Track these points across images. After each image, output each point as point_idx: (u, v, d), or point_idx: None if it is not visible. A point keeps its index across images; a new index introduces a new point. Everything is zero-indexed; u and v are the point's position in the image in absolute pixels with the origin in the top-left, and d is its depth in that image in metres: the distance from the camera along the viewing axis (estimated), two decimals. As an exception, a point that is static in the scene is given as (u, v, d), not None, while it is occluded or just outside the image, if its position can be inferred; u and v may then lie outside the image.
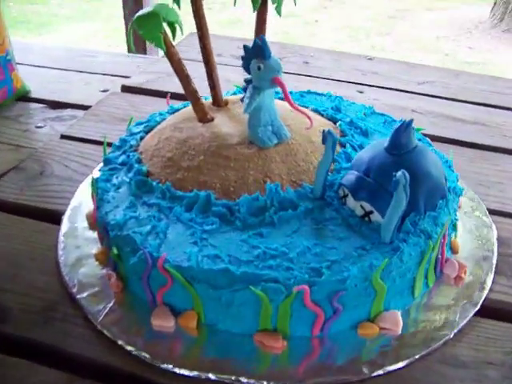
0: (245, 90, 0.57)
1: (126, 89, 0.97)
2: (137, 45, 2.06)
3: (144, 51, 2.05)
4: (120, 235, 0.50)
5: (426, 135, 0.67)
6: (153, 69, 1.05)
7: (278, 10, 0.61)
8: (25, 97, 1.00)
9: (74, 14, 5.16)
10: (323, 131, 0.51)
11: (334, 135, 0.50)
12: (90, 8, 5.56)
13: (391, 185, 0.47)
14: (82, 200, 0.66)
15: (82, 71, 1.12)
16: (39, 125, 0.90)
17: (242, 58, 0.55)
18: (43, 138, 0.85)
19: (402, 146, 0.50)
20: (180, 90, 0.61)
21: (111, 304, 0.51)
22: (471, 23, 5.25)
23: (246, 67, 0.55)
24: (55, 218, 0.65)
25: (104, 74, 1.10)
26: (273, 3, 0.61)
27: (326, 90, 0.81)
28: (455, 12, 5.56)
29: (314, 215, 0.52)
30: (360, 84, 0.98)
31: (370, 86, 0.98)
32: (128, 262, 0.49)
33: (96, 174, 0.61)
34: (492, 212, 0.65)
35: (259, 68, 0.52)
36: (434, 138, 0.76)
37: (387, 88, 0.97)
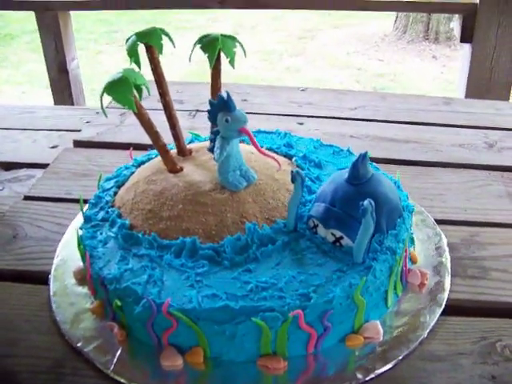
0: (212, 140, 0.63)
1: (78, 144, 1.01)
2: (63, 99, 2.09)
3: (72, 103, 2.09)
4: (119, 288, 0.55)
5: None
6: (99, 121, 1.09)
7: (232, 63, 0.68)
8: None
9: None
10: (291, 172, 0.58)
11: (302, 175, 0.57)
12: (-5, 55, 5.46)
13: (357, 212, 0.54)
14: (64, 258, 0.70)
15: (25, 129, 1.15)
16: (-2, 188, 0.93)
17: (208, 111, 0.61)
18: (5, 200, 0.88)
19: (360, 177, 0.58)
20: (134, 140, 0.66)
21: (119, 352, 0.56)
22: (377, 37, 5.55)
23: (213, 119, 0.61)
24: (39, 278, 0.68)
25: (49, 130, 1.13)
26: (227, 57, 0.68)
27: (268, 125, 0.89)
28: (361, 28, 5.85)
29: (292, 246, 0.58)
30: (298, 116, 1.06)
31: (308, 116, 1.06)
32: (132, 312, 0.54)
33: (78, 232, 0.66)
34: (439, 222, 0.74)
35: (227, 120, 0.59)
36: (375, 160, 0.85)
37: (324, 117, 1.06)
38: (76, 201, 0.82)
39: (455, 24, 1.99)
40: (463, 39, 1.78)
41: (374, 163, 0.74)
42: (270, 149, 0.76)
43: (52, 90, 2.20)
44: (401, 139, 0.97)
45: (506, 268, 0.66)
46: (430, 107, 1.11)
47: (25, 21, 5.61)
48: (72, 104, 2.18)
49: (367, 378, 0.52)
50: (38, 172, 0.95)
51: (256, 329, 0.51)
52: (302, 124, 1.03)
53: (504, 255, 0.68)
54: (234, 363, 0.54)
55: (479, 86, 1.79)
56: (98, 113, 1.19)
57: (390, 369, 0.53)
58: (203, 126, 0.97)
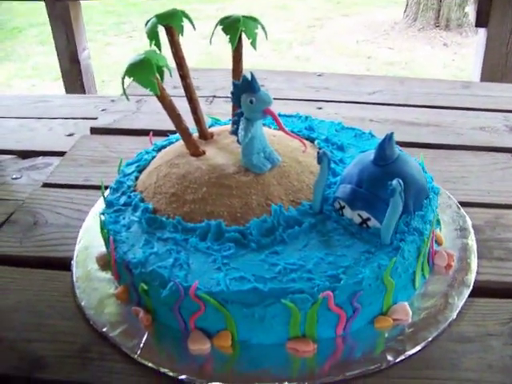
0: (235, 122, 0.62)
1: (95, 131, 1.01)
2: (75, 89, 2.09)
3: (84, 93, 2.08)
4: (145, 272, 0.55)
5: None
6: (116, 108, 1.09)
7: (254, 45, 0.67)
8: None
9: (-11, 55, 5.07)
10: (318, 152, 0.57)
11: (328, 155, 0.57)
12: (3, 48, 5.47)
13: (384, 192, 0.54)
14: (86, 244, 0.69)
15: (41, 117, 1.14)
16: (15, 176, 0.92)
17: (232, 93, 0.61)
18: (24, 188, 0.88)
19: (387, 157, 0.57)
20: (151, 126, 0.66)
21: (145, 337, 0.55)
22: (387, 25, 5.51)
23: (236, 101, 0.61)
24: (62, 264, 0.68)
25: (65, 118, 1.13)
26: (248, 39, 0.67)
27: (286, 109, 0.88)
28: (370, 16, 5.81)
29: (318, 228, 0.58)
30: (316, 100, 1.05)
31: (326, 101, 1.05)
32: (158, 296, 0.54)
33: (101, 217, 0.65)
34: (462, 204, 0.73)
35: (251, 102, 0.58)
36: (397, 144, 0.84)
37: (342, 101, 1.05)
38: (95, 187, 0.83)
39: (470, 8, 1.97)
40: (478, 24, 1.75)
41: (398, 146, 0.73)
42: (291, 131, 0.75)
43: (64, 81, 2.19)
44: (421, 123, 0.96)
45: (534, 249, 0.65)
46: (449, 91, 1.10)
47: (32, 14, 5.62)
48: (83, 92, 2.18)
49: (397, 360, 0.51)
50: (55, 160, 0.95)
51: (285, 311, 0.51)
52: (320, 108, 1.02)
53: (533, 236, 0.68)
54: (263, 346, 0.53)
55: (494, 71, 1.77)
56: (113, 100, 1.18)
57: (419, 350, 0.52)
58: (221, 111, 0.97)
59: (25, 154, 0.99)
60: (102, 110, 1.14)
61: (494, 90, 1.11)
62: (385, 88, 1.11)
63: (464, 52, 4.80)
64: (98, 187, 0.77)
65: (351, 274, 0.52)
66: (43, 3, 2.04)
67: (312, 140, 0.73)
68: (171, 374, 0.52)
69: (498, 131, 0.94)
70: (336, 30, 5.57)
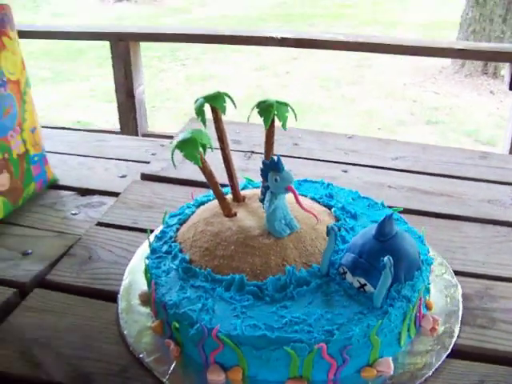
0: (263, 192, 0.76)
1: (145, 176, 1.16)
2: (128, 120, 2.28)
3: (136, 124, 2.26)
4: (178, 312, 0.68)
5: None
6: (164, 155, 1.24)
7: (284, 127, 0.81)
8: (54, 185, 1.18)
9: (50, 75, 5.37)
10: (327, 226, 0.70)
11: (335, 230, 0.69)
12: (66, 69, 5.79)
13: (380, 265, 0.66)
14: (131, 281, 0.83)
15: (98, 157, 1.31)
16: (74, 212, 1.08)
17: (261, 169, 0.74)
18: (81, 224, 1.03)
19: (385, 234, 0.69)
20: (194, 177, 0.79)
21: (173, 365, 0.68)
22: (435, 69, 5.61)
23: (265, 176, 0.74)
24: (110, 297, 0.82)
25: (118, 159, 1.29)
26: (280, 121, 0.80)
27: (315, 170, 1.02)
28: (419, 59, 5.90)
29: (323, 289, 0.70)
30: (343, 163, 1.18)
31: (352, 164, 1.18)
32: (186, 333, 0.67)
33: (145, 261, 0.79)
34: (457, 273, 0.84)
35: (276, 180, 0.72)
36: (407, 211, 0.97)
37: (366, 165, 1.17)
38: (141, 230, 0.97)
39: (506, 72, 2.07)
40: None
41: (403, 218, 0.86)
42: (313, 198, 0.88)
43: (119, 112, 2.38)
44: (435, 192, 1.08)
45: (514, 320, 0.76)
46: (467, 161, 1.21)
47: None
48: (135, 125, 2.37)
49: (375, 403, 0.63)
50: (109, 199, 1.11)
51: (287, 356, 0.63)
52: (345, 172, 1.15)
53: (513, 309, 0.78)
54: (267, 382, 0.65)
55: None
56: (162, 145, 1.34)
57: (397, 398, 0.64)
58: (256, 167, 1.11)
59: (84, 192, 1.15)
60: (152, 155, 1.30)
61: (510, 163, 1.22)
62: (408, 154, 1.23)
63: (510, 101, 4.83)
64: (144, 230, 0.92)
65: (344, 330, 0.64)
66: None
67: (330, 207, 0.86)
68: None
69: (504, 204, 1.05)
70: (384, 71, 5.69)
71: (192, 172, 1.14)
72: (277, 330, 0.64)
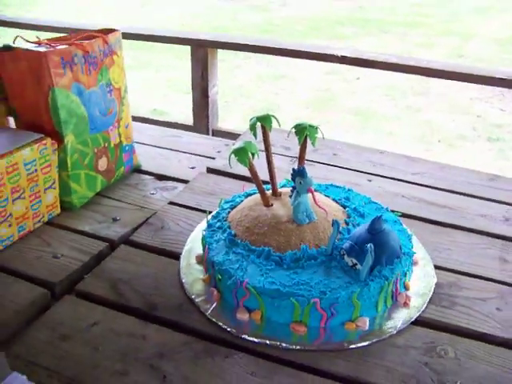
0: (292, 191, 1.05)
1: (210, 170, 1.47)
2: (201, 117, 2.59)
3: (207, 121, 2.58)
4: (221, 269, 0.98)
5: (407, 215, 1.14)
6: (226, 154, 1.53)
7: (313, 144, 1.09)
8: (138, 169, 1.50)
9: (133, 63, 5.80)
10: (332, 220, 0.98)
11: (338, 223, 0.97)
12: (147, 58, 6.22)
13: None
14: (191, 247, 1.14)
15: (174, 150, 1.62)
16: (152, 192, 1.40)
17: (291, 174, 1.03)
18: (157, 202, 1.35)
19: (375, 230, 0.97)
20: (246, 173, 1.08)
21: (214, 305, 0.98)
22: (504, 86, 5.66)
23: (293, 179, 1.03)
24: (174, 256, 1.13)
25: (190, 153, 1.60)
26: (310, 140, 1.09)
27: (346, 178, 1.29)
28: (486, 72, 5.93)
29: (326, 264, 0.98)
30: (370, 174, 1.45)
31: (377, 175, 1.44)
32: (225, 283, 0.97)
33: (203, 233, 1.09)
34: (436, 267, 1.10)
35: (300, 183, 1.00)
36: (411, 217, 1.23)
37: (389, 178, 1.44)
38: (202, 210, 1.28)
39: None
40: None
41: (398, 218, 1.12)
42: (333, 199, 1.16)
43: (193, 109, 2.71)
44: (439, 204, 1.33)
45: (469, 306, 1.02)
46: (476, 181, 1.45)
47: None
48: (207, 121, 2.69)
49: (351, 346, 0.90)
50: (180, 185, 1.42)
51: (292, 305, 0.92)
52: (370, 181, 1.42)
53: (473, 297, 1.04)
54: (277, 323, 0.94)
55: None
56: (227, 145, 1.64)
57: (366, 345, 0.91)
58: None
59: (160, 177, 1.47)
60: (218, 152, 1.60)
61: (514, 186, 1.45)
62: (427, 171, 1.48)
63: None
64: (204, 211, 1.22)
65: (334, 292, 0.92)
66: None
67: (345, 207, 1.14)
68: (225, 327, 0.94)
69: (495, 220, 1.29)
70: (452, 84, 5.79)
71: (245, 170, 1.43)
72: (287, 287, 0.93)
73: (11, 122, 1.35)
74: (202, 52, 2.55)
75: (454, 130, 4.76)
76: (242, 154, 1.03)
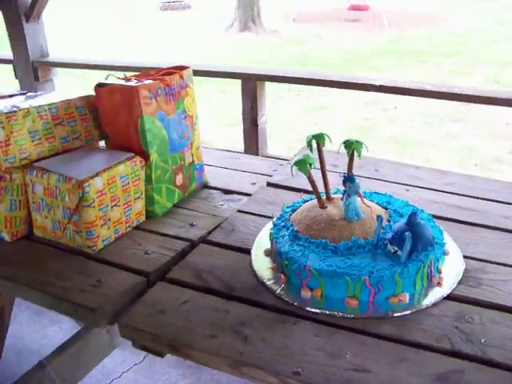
0: (343, 194, 1.29)
1: (269, 184, 1.72)
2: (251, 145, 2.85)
3: (257, 148, 2.85)
4: (287, 257, 1.22)
5: (439, 217, 1.37)
6: (282, 171, 1.80)
7: (359, 156, 1.34)
8: (206, 185, 1.76)
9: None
10: (377, 216, 1.22)
11: (382, 218, 1.21)
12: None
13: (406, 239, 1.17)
14: (258, 243, 1.39)
15: (235, 169, 1.89)
16: (221, 203, 1.66)
17: (343, 180, 1.27)
18: (226, 211, 1.60)
19: (412, 223, 1.20)
20: (303, 186, 1.33)
21: (282, 286, 1.23)
22: (541, 112, 5.80)
23: (344, 184, 1.27)
24: (246, 251, 1.38)
25: (249, 172, 1.87)
26: (357, 153, 1.33)
27: (386, 188, 1.53)
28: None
29: (372, 252, 1.22)
30: (407, 185, 1.68)
31: (414, 186, 1.68)
32: (291, 268, 1.21)
33: (270, 231, 1.34)
34: (465, 257, 1.32)
35: (350, 186, 1.25)
36: (443, 218, 1.46)
37: (424, 187, 1.67)
38: (265, 216, 1.53)
39: None
40: None
41: (432, 217, 1.35)
42: (377, 203, 1.40)
43: (244, 136, 2.98)
44: (468, 208, 1.55)
45: (493, 285, 1.23)
46: (500, 189, 1.66)
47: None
48: (257, 148, 2.95)
49: (394, 315, 1.13)
50: (244, 198, 1.68)
51: (346, 282, 1.15)
52: (407, 190, 1.65)
53: (496, 279, 1.25)
54: (334, 298, 1.18)
55: None
56: (281, 165, 1.90)
57: (406, 314, 1.14)
58: (344, 183, 1.64)
59: (226, 191, 1.73)
60: (274, 170, 1.86)
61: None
62: (457, 182, 1.71)
63: None
64: (267, 217, 1.47)
65: (380, 272, 1.15)
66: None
67: (386, 209, 1.37)
68: (291, 302, 1.18)
69: (518, 221, 1.51)
70: (488, 109, 5.96)
71: (300, 183, 1.69)
72: (342, 268, 1.16)
73: (101, 143, 1.65)
74: (252, 85, 2.83)
75: (491, 153, 4.93)
76: (302, 164, 1.29)
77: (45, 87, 3.64)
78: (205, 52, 9.46)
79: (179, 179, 1.63)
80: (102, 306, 1.22)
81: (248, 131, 2.93)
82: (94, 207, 1.36)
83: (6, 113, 1.43)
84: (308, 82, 2.80)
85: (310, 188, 1.35)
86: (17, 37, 3.48)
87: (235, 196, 1.70)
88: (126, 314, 1.21)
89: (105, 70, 3.55)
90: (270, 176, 1.81)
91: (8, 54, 3.72)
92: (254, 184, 1.77)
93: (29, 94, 1.69)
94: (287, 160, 1.96)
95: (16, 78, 3.69)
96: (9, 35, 3.51)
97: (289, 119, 5.99)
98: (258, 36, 10.78)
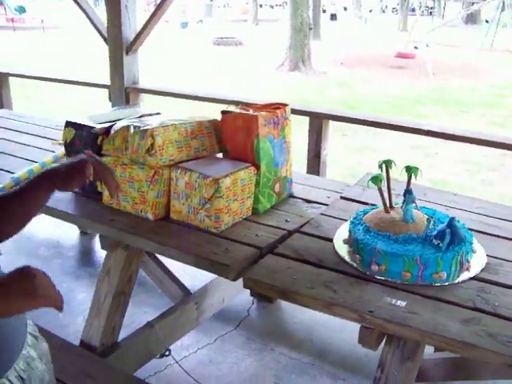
0: (403, 204, 1.87)
1: (343, 198, 2.32)
2: (313, 171, 3.44)
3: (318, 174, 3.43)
4: (363, 242, 1.80)
5: (469, 228, 1.94)
6: (349, 190, 2.38)
7: (415, 177, 1.92)
8: (292, 196, 2.36)
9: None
10: (427, 218, 1.80)
11: (429, 220, 1.79)
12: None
13: (445, 235, 1.74)
14: (338, 235, 1.97)
15: (311, 186, 2.49)
16: (305, 208, 2.25)
17: (404, 193, 1.86)
18: (310, 214, 2.19)
19: (451, 225, 1.78)
20: (369, 200, 1.92)
21: (358, 262, 1.80)
22: None
23: (403, 196, 1.85)
24: (329, 240, 1.96)
25: (323, 189, 2.46)
26: (414, 175, 1.92)
27: (430, 205, 2.10)
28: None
29: (422, 243, 1.79)
30: (447, 206, 2.26)
31: (452, 207, 2.25)
32: (365, 249, 1.79)
33: (349, 226, 1.92)
34: (488, 255, 1.88)
35: (408, 197, 1.83)
36: (473, 230, 2.03)
37: (459, 209, 2.24)
38: (341, 219, 2.11)
39: None
40: None
41: (465, 224, 1.92)
42: (425, 213, 1.97)
43: (307, 167, 3.58)
44: (492, 225, 2.11)
45: (507, 274, 1.78)
46: (521, 216, 2.22)
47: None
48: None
49: (435, 284, 1.70)
50: (323, 206, 2.27)
51: (403, 260, 1.73)
52: (447, 209, 2.22)
53: (510, 271, 1.80)
54: (394, 271, 1.75)
55: None
56: (348, 186, 2.49)
57: (443, 285, 1.70)
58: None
59: (308, 201, 2.33)
60: (342, 189, 2.45)
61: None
62: (485, 207, 2.27)
63: None
64: (343, 219, 2.06)
65: (426, 255, 1.72)
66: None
67: (431, 217, 1.95)
68: (364, 271, 1.76)
69: (531, 238, 2.06)
70: (524, 160, 6.47)
71: (367, 197, 2.27)
72: (401, 251, 1.74)
73: (219, 155, 2.27)
74: (318, 122, 3.44)
75: (524, 200, 5.44)
76: (376, 179, 1.88)
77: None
78: (259, 89, 10.17)
79: (277, 187, 2.23)
80: (232, 263, 1.81)
81: (311, 162, 3.53)
82: (223, 198, 1.97)
83: (162, 126, 2.05)
84: (369, 124, 3.40)
85: (373, 202, 1.94)
86: (116, 66, 4.18)
87: (315, 204, 2.30)
88: (249, 271, 1.79)
89: (186, 98, 4.21)
90: (340, 193, 2.40)
91: (104, 79, 4.43)
92: (328, 197, 2.36)
93: (160, 115, 2.33)
94: (348, 185, 2.56)
95: (109, 100, 4.38)
96: (110, 65, 4.21)
97: (334, 159, 6.56)
98: (307, 76, 11.50)
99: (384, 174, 1.94)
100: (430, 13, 17.61)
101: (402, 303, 1.61)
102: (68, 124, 2.37)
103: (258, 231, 2.03)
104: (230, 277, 1.82)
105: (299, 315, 3.15)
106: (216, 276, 2.77)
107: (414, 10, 22.43)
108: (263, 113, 2.13)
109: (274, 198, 2.24)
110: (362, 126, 3.87)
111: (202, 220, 2.02)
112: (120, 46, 4.09)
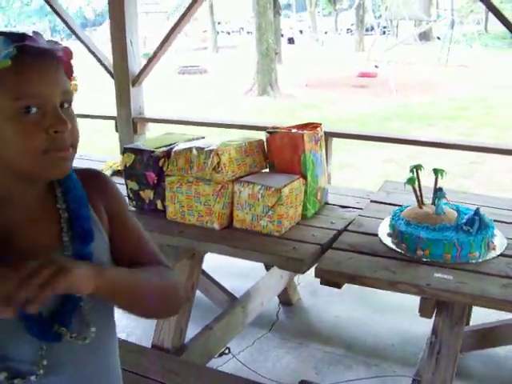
0: (433, 200, 2.31)
1: (374, 201, 2.75)
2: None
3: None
4: (407, 232, 2.23)
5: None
6: (377, 195, 2.82)
7: (442, 177, 2.37)
8: (327, 203, 2.79)
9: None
10: (457, 210, 2.24)
11: (460, 211, 2.23)
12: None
13: (474, 221, 2.19)
14: (381, 231, 2.40)
15: (342, 194, 2.92)
16: (343, 212, 2.67)
17: (434, 190, 2.30)
18: (350, 216, 2.62)
19: (477, 213, 2.22)
20: (401, 202, 2.36)
21: (403, 249, 2.23)
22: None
23: (435, 192, 2.30)
24: (372, 234, 2.38)
25: (351, 196, 2.89)
26: (440, 176, 2.37)
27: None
28: (526, 160, 7.15)
29: (455, 230, 2.23)
30: (461, 202, 2.71)
31: (465, 202, 2.70)
32: (410, 238, 2.22)
33: (390, 221, 2.35)
34: (507, 238, 2.33)
35: (438, 194, 2.27)
36: (494, 220, 2.49)
37: (484, 205, 2.70)
38: (378, 218, 2.54)
39: None
40: None
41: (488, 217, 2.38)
42: (450, 208, 2.42)
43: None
44: (508, 216, 2.57)
45: (524, 252, 2.24)
46: (522, 207, 2.69)
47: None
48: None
49: (471, 261, 2.13)
50: (357, 210, 2.69)
51: (443, 244, 2.16)
52: (462, 204, 2.67)
53: (525, 249, 2.26)
54: (436, 254, 2.18)
55: None
56: (372, 192, 2.93)
57: (477, 262, 2.14)
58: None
59: (342, 206, 2.75)
60: (367, 195, 2.89)
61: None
62: (488, 200, 2.74)
63: None
64: (380, 218, 2.50)
65: (462, 239, 2.16)
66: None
67: (458, 210, 2.39)
68: (410, 256, 2.19)
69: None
70: (495, 168, 7.03)
71: (394, 199, 2.71)
72: (441, 237, 2.17)
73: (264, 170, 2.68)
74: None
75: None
76: (411, 180, 2.31)
77: (140, 139, 4.68)
78: (238, 113, 10.61)
79: (319, 195, 2.65)
80: (305, 258, 2.21)
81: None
82: (284, 205, 2.38)
83: (224, 147, 2.45)
84: (376, 139, 3.86)
85: (399, 203, 2.38)
86: (123, 98, 4.55)
87: (350, 209, 2.72)
88: (318, 262, 2.19)
89: (192, 125, 4.61)
90: (366, 198, 2.84)
91: (110, 111, 4.81)
92: (358, 202, 2.79)
93: (205, 138, 2.74)
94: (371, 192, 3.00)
95: (116, 131, 4.72)
96: (116, 96, 4.57)
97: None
98: (275, 100, 12.02)
99: (415, 176, 2.39)
100: (384, 32, 18.48)
101: (449, 277, 2.04)
102: (126, 150, 2.74)
103: (313, 232, 2.44)
104: (303, 269, 2.22)
105: (322, 315, 3.56)
106: (254, 281, 3.18)
107: (367, 29, 23.48)
108: (306, 131, 2.56)
109: (317, 205, 2.65)
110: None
111: (265, 225, 2.42)
112: (126, 79, 4.44)
